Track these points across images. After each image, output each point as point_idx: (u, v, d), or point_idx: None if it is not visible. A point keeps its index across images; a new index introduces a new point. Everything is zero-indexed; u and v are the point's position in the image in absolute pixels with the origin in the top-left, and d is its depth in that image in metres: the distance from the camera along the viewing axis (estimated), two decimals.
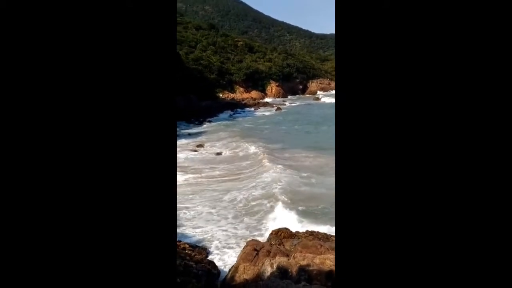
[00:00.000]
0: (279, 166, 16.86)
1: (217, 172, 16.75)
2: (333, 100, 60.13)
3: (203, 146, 22.94)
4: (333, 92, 79.29)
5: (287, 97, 67.59)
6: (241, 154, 20.70)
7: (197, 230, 10.56)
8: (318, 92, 76.73)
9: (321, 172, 15.95)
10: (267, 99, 59.52)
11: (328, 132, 26.92)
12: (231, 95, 56.06)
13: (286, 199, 12.77)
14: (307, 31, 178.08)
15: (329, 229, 10.14)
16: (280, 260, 7.00)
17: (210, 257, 8.71)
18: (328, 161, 17.60)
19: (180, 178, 15.31)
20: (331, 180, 14.65)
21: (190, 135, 27.89)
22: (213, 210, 12.07)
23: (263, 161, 18.32)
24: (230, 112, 42.11)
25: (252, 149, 21.62)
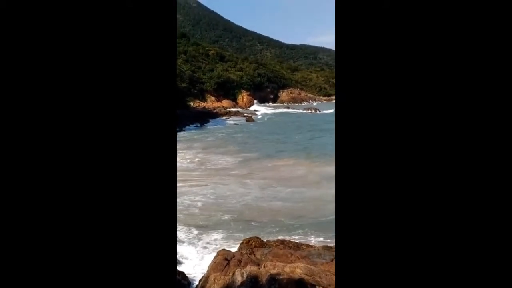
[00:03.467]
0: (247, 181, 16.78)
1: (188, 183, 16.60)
2: (300, 110, 61.02)
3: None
4: (304, 102, 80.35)
5: (259, 105, 67.92)
6: (212, 164, 20.59)
7: None
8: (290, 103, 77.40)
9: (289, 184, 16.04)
10: (238, 108, 59.63)
11: (301, 140, 27.15)
12: (203, 104, 55.88)
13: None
14: (277, 41, 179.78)
15: (301, 238, 10.21)
16: (250, 269, 6.98)
17: (179, 268, 8.60)
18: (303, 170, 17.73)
19: None
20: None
21: None
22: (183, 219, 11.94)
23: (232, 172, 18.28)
24: (201, 121, 41.84)
25: (224, 159, 21.55)
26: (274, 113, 55.38)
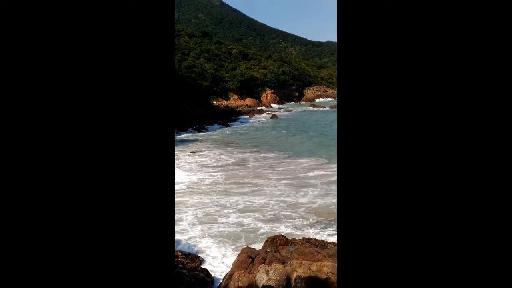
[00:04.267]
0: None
1: (212, 180, 16.55)
2: (326, 108, 60.37)
3: (195, 152, 22.75)
4: (329, 99, 79.67)
5: (283, 104, 67.63)
6: (235, 163, 20.51)
7: (190, 238, 10.31)
8: (317, 100, 76.92)
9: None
10: (262, 106, 59.47)
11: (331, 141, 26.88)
12: (225, 102, 56.03)
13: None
14: (303, 38, 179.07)
15: (327, 238, 9.96)
16: (276, 267, 6.78)
17: (203, 265, 8.47)
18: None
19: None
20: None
21: (182, 142, 27.68)
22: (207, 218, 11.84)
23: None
24: (224, 119, 41.80)
25: (247, 158, 21.46)
26: (298, 112, 54.92)
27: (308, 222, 11.46)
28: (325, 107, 60.67)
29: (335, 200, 12.80)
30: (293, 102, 72.92)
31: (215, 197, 13.88)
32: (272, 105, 63.67)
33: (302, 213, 12.20)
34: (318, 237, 10.00)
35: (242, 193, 14.48)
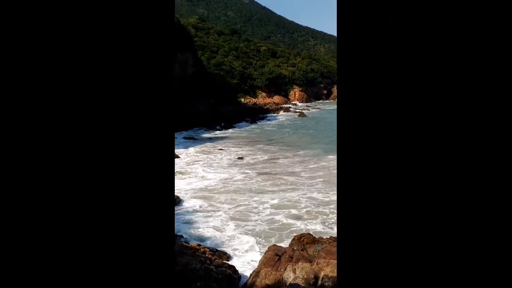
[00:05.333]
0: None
1: (242, 177, 16.61)
2: None
3: (224, 150, 22.89)
4: None
5: (311, 102, 67.13)
6: (266, 160, 20.52)
7: (219, 234, 10.40)
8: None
9: None
10: (290, 104, 59.21)
11: None
12: (253, 100, 56.03)
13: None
14: (332, 35, 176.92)
15: None
16: (303, 265, 6.76)
17: (230, 262, 8.53)
18: None
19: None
20: None
21: (210, 139, 27.88)
22: (236, 215, 11.90)
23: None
24: (252, 117, 41.81)
25: (277, 155, 21.43)
26: (326, 110, 54.42)
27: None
28: None
29: None
30: (321, 100, 72.27)
31: (246, 194, 13.93)
32: (300, 103, 63.33)
33: (334, 210, 12.11)
34: None
35: (273, 191, 14.48)
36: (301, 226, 10.94)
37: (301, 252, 8.13)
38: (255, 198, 13.44)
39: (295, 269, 6.68)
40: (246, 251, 9.40)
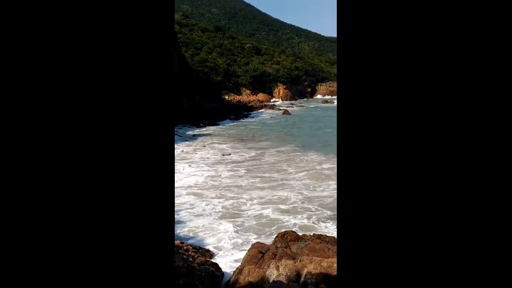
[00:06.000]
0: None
1: (228, 174, 16.58)
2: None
3: (209, 147, 22.81)
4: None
5: (295, 100, 67.37)
6: (251, 157, 20.53)
7: (202, 231, 10.35)
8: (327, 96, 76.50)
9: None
10: (274, 102, 59.29)
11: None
12: (238, 97, 56.02)
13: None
14: (316, 34, 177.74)
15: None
16: (286, 263, 6.76)
17: (214, 259, 8.50)
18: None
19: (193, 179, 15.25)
20: None
21: (195, 136, 27.77)
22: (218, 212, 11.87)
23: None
24: (236, 114, 41.75)
25: (263, 152, 21.47)
26: (310, 108, 54.64)
27: (326, 215, 11.46)
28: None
29: None
30: (305, 98, 72.58)
31: (232, 191, 13.92)
32: (285, 100, 63.48)
33: (320, 206, 12.21)
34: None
35: (260, 187, 14.52)
36: (287, 222, 10.98)
37: (285, 249, 8.14)
38: (242, 195, 13.44)
39: (278, 266, 6.68)
40: (232, 248, 9.38)
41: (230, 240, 9.84)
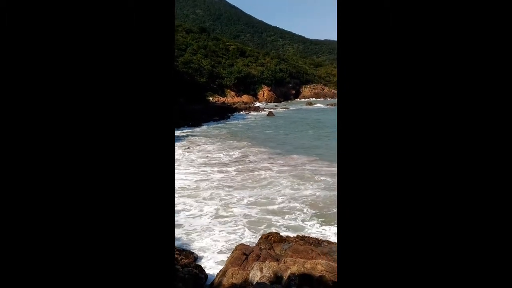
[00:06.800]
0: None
1: (214, 176, 16.54)
2: (324, 106, 60.37)
3: (192, 148, 22.72)
4: (327, 98, 79.65)
5: (279, 102, 67.53)
6: (237, 158, 20.51)
7: (186, 234, 10.30)
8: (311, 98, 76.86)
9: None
10: (258, 104, 59.34)
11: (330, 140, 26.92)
12: (222, 99, 55.92)
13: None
14: (300, 36, 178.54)
15: (321, 234, 9.98)
16: (270, 264, 6.77)
17: (199, 261, 8.46)
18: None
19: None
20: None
21: (179, 138, 27.65)
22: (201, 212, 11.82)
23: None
24: (221, 116, 41.66)
25: (247, 153, 21.47)
26: (294, 110, 54.85)
27: (311, 213, 11.54)
28: (321, 106, 60.63)
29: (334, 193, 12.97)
30: (290, 100, 72.81)
31: (218, 192, 13.88)
32: (269, 102, 63.57)
33: (305, 205, 12.29)
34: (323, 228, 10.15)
35: (247, 188, 14.58)
36: (275, 222, 11.03)
37: (268, 251, 8.15)
38: (229, 195, 13.44)
39: (262, 268, 6.69)
40: (216, 250, 9.35)
41: (214, 242, 9.81)
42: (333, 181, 14.92)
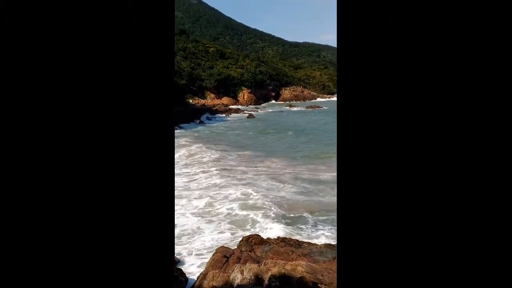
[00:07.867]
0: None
1: (193, 177, 16.48)
2: (303, 108, 60.71)
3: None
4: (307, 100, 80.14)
5: (259, 104, 67.66)
6: (216, 159, 20.49)
7: None
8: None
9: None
10: (239, 106, 59.37)
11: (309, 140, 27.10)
12: (202, 101, 55.74)
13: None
14: (280, 38, 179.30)
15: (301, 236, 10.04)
16: (250, 266, 6.77)
17: (179, 265, 8.40)
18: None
19: None
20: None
21: None
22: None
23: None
24: (201, 118, 41.52)
25: (226, 155, 21.47)
26: (274, 112, 55.06)
27: (293, 215, 11.61)
28: (301, 108, 60.99)
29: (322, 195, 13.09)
30: (270, 102, 73.04)
31: (195, 195, 13.80)
32: (249, 104, 63.66)
33: (284, 208, 12.34)
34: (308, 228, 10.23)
35: (227, 187, 14.63)
36: (257, 224, 11.06)
37: (249, 253, 8.15)
38: (207, 198, 13.37)
39: (242, 270, 6.68)
40: (194, 253, 9.30)
41: (193, 245, 9.76)
42: (312, 186, 15.08)
